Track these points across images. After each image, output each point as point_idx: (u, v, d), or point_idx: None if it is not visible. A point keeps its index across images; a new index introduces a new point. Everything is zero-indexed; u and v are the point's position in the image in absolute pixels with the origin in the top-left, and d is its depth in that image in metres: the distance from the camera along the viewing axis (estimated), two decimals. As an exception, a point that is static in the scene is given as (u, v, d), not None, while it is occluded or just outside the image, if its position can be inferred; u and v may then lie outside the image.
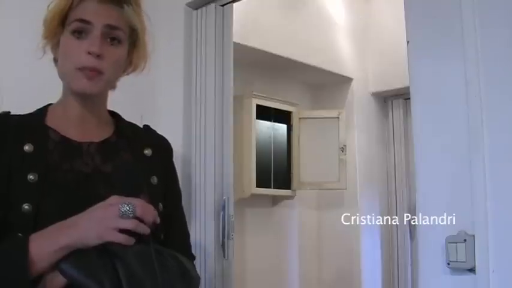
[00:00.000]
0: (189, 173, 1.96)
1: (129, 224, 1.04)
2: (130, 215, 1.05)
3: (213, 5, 2.03)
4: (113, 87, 1.29)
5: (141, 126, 1.38)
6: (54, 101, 1.27)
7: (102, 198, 1.10)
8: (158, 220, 1.10)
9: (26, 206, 1.08)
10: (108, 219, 1.04)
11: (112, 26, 1.19)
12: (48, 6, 1.21)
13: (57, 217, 1.07)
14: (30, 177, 1.11)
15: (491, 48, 1.23)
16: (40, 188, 1.11)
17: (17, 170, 1.12)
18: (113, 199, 1.07)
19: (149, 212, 1.08)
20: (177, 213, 1.36)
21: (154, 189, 1.25)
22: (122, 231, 1.04)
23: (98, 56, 1.16)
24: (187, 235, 1.39)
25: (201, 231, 1.91)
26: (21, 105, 1.24)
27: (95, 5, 1.19)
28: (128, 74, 1.30)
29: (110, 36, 1.19)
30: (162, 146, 1.36)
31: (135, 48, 1.27)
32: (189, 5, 2.06)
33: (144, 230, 1.06)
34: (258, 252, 3.03)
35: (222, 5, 2.04)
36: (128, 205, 1.05)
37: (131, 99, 1.79)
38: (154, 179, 1.26)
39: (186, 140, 1.99)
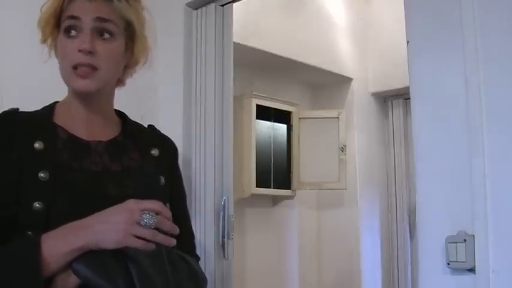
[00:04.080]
0: (189, 173, 1.96)
1: (148, 233, 1.04)
2: (152, 226, 1.04)
3: (213, 5, 2.03)
4: (121, 83, 1.29)
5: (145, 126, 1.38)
6: (54, 100, 1.27)
7: (112, 197, 1.10)
8: (177, 231, 1.09)
9: (37, 204, 1.08)
10: (128, 226, 1.03)
11: (102, 18, 1.18)
12: (41, 8, 1.22)
13: (68, 216, 1.07)
14: (42, 175, 1.11)
15: (491, 48, 1.23)
16: (51, 187, 1.11)
17: (28, 167, 1.11)
18: (131, 204, 1.06)
19: (168, 224, 1.08)
20: (182, 213, 1.36)
21: (161, 190, 1.25)
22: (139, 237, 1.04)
23: (90, 53, 1.16)
24: (192, 235, 1.39)
25: (201, 231, 1.91)
26: (22, 106, 1.24)
27: (84, 2, 1.19)
28: (131, 68, 1.30)
29: (101, 30, 1.19)
30: (168, 147, 1.37)
31: (133, 42, 1.27)
32: (188, 5, 2.05)
33: (162, 240, 1.06)
34: (257, 252, 3.03)
35: (222, 5, 2.04)
36: (150, 215, 1.05)
37: (131, 99, 1.79)
38: (162, 180, 1.26)
39: (186, 140, 1.99)
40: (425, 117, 1.35)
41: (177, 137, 1.95)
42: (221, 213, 1.92)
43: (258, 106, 3.00)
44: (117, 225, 1.04)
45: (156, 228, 1.05)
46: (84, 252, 1.03)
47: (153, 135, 1.35)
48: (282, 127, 3.22)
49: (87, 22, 1.17)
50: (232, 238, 1.91)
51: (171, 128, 1.92)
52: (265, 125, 3.10)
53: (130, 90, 1.38)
